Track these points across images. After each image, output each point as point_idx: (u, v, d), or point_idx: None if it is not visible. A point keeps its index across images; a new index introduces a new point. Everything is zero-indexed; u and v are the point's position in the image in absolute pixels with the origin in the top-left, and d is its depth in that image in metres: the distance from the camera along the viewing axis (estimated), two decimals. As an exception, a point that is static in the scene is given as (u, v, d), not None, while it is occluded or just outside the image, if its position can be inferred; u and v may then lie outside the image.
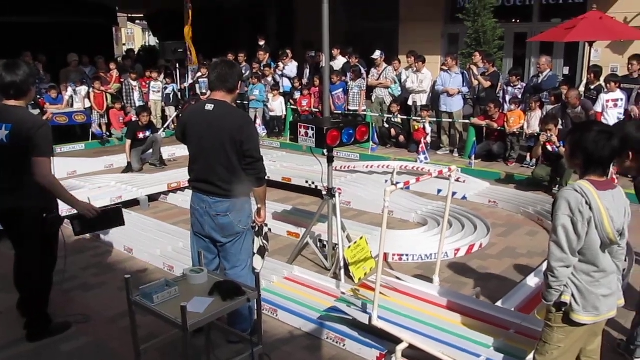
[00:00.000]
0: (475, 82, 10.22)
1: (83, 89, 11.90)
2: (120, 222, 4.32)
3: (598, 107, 8.45)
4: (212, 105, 3.68)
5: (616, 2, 11.41)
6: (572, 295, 2.69)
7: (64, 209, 4.39)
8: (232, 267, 3.89)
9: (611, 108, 8.33)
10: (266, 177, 3.86)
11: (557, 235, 2.62)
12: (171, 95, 12.78)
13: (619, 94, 8.35)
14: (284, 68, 12.37)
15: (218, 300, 3.08)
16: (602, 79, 9.14)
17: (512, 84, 10.00)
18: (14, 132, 3.81)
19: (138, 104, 12.22)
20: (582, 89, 9.85)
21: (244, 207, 3.80)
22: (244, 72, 12.81)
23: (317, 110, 11.44)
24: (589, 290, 2.68)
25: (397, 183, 3.73)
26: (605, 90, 8.52)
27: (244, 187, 3.75)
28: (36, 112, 9.03)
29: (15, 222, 4.00)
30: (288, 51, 12.52)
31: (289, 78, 12.32)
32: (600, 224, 2.59)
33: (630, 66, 8.85)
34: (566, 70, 12.67)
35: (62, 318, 4.39)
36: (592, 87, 9.09)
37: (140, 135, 9.44)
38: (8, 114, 3.88)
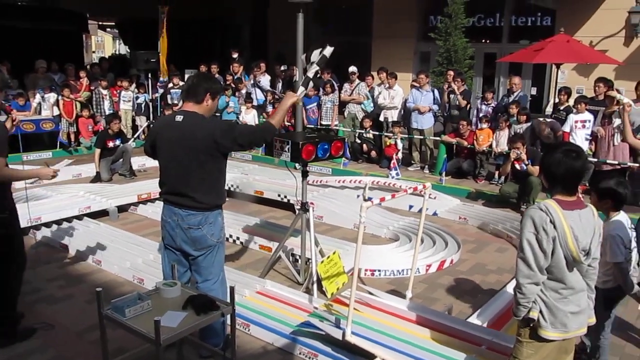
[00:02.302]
0: (446, 100, 10.39)
1: (52, 96, 11.67)
2: None
3: (566, 128, 8.65)
4: (182, 116, 3.64)
5: (583, 26, 11.78)
6: (540, 311, 2.74)
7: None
8: (204, 280, 3.85)
9: (579, 129, 8.53)
10: (272, 131, 3.78)
11: (524, 253, 2.68)
12: (142, 105, 12.64)
13: (587, 115, 8.56)
14: (259, 81, 12.35)
15: (192, 314, 3.05)
16: (571, 100, 9.39)
17: (486, 102, 10.19)
18: None
19: (108, 112, 12.04)
20: (549, 109, 10.09)
21: (216, 220, 3.76)
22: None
23: (289, 124, 11.45)
24: (557, 307, 2.73)
25: (371, 198, 3.75)
26: (575, 111, 8.74)
27: (216, 198, 3.72)
28: (3, 117, 8.83)
29: None
30: (262, 64, 12.54)
31: (263, 90, 12.30)
32: (564, 242, 2.65)
33: (596, 88, 9.11)
34: (534, 91, 12.98)
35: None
36: (562, 107, 9.32)
37: (110, 144, 9.30)
38: None
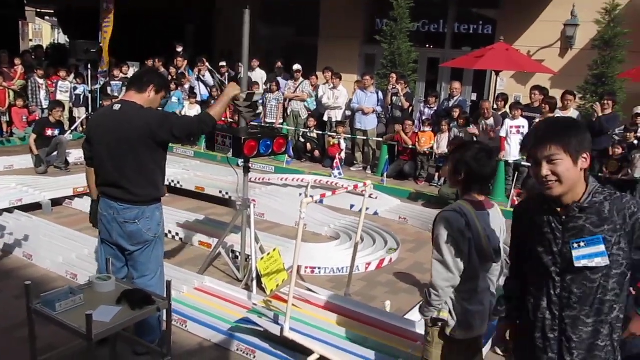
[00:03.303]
0: (389, 102, 10.55)
1: (-18, 84, 11.17)
2: None
3: (502, 133, 8.95)
4: (119, 105, 3.57)
5: (521, 36, 12.18)
6: (450, 311, 2.72)
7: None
8: (141, 276, 3.76)
9: (514, 134, 8.84)
10: (210, 122, 3.69)
11: (443, 255, 2.62)
12: (81, 97, 12.25)
13: (522, 121, 8.88)
14: (204, 75, 12.18)
15: (126, 309, 2.97)
16: (507, 106, 9.72)
17: (429, 105, 10.40)
18: None
19: (45, 103, 11.62)
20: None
21: (154, 215, 3.68)
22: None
23: (232, 121, 11.35)
24: (465, 307, 2.71)
25: (312, 196, 3.77)
26: (510, 117, 9.05)
27: (154, 191, 3.63)
28: None
29: None
30: (204, 59, 12.38)
31: (207, 86, 12.15)
32: (478, 243, 2.64)
33: (532, 95, 9.48)
34: (474, 97, 13.34)
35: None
36: (499, 113, 9.62)
37: (49, 132, 8.96)
38: None
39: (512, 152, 8.89)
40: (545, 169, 2.09)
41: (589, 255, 2.09)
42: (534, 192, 2.96)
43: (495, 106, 9.89)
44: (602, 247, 2.08)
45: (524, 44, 12.04)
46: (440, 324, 2.75)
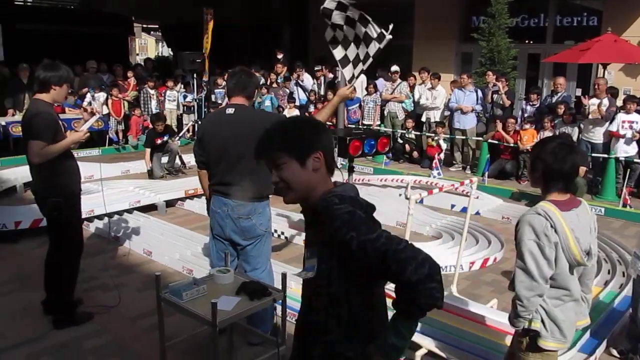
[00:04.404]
0: (489, 100, 10.33)
1: (101, 96, 12.07)
2: None
3: (614, 127, 8.51)
4: (233, 109, 3.78)
5: (631, 26, 11.54)
6: (542, 321, 2.55)
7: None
8: (252, 269, 3.97)
9: (626, 129, 8.39)
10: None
11: (525, 262, 2.46)
12: (190, 105, 12.95)
13: (635, 116, 8.41)
14: (302, 79, 12.47)
15: (245, 299, 3.15)
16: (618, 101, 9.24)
17: (530, 102, 10.10)
18: (22, 121, 4.18)
19: (155, 111, 12.40)
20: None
21: (264, 210, 3.89)
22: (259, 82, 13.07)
23: (330, 124, 11.54)
24: (558, 315, 2.53)
25: (420, 193, 3.81)
26: (622, 111, 8.59)
27: (265, 188, 3.80)
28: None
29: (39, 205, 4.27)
30: (300, 63, 12.69)
31: (305, 90, 12.42)
32: (566, 247, 2.46)
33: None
34: (578, 92, 12.77)
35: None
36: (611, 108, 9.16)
37: (159, 141, 9.56)
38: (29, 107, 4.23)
39: (624, 148, 8.43)
40: (274, 175, 1.95)
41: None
42: None
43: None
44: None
45: (634, 34, 11.41)
46: (531, 334, 2.59)
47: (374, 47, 4.24)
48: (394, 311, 1.82)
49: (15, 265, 5.57)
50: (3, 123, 10.36)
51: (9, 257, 5.84)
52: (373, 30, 4.15)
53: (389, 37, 4.18)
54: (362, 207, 1.90)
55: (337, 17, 4.14)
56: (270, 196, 3.96)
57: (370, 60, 4.34)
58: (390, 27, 4.13)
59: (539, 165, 2.57)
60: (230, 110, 3.80)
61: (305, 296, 2.05)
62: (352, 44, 4.31)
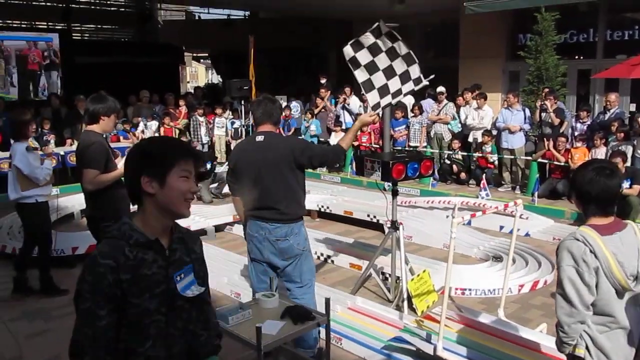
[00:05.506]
0: (537, 118, 10.16)
1: (153, 124, 12.52)
2: None
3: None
4: (262, 136, 3.95)
5: (686, 38, 11.20)
6: (587, 347, 2.49)
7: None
8: (298, 286, 4.06)
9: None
10: (341, 153, 4.09)
11: (565, 289, 2.43)
12: (239, 130, 13.23)
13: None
14: (349, 103, 12.57)
15: (289, 323, 3.21)
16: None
17: (581, 120, 9.89)
18: (76, 151, 4.50)
19: (204, 139, 12.75)
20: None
21: (300, 230, 4.01)
22: (299, 107, 13.59)
23: (377, 146, 11.59)
24: (604, 343, 2.46)
25: (463, 216, 3.80)
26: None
27: (299, 209, 3.99)
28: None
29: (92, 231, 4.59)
30: (348, 88, 12.78)
31: (352, 114, 12.51)
32: (608, 271, 2.40)
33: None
34: (632, 107, 12.41)
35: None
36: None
37: (202, 169, 9.81)
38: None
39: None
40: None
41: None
42: None
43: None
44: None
45: (690, 47, 11.04)
46: None
47: (408, 87, 4.40)
48: None
49: (71, 290, 5.77)
50: (62, 153, 10.82)
51: (66, 281, 6.07)
52: (416, 70, 4.32)
53: (425, 82, 4.35)
54: None
55: (368, 40, 4.31)
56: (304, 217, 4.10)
57: (401, 97, 4.47)
58: (432, 76, 4.31)
59: (573, 190, 2.62)
60: (260, 138, 3.96)
61: None
62: (381, 72, 4.45)
